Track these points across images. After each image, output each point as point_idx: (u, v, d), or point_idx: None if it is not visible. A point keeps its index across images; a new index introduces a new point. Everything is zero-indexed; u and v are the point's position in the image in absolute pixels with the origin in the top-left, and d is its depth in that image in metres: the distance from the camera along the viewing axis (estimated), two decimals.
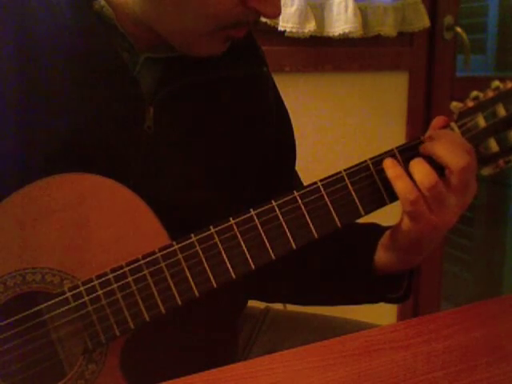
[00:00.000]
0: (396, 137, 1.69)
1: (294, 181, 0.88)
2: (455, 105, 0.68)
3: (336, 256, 0.80)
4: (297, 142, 0.88)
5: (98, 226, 0.63)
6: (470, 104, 0.67)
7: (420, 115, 1.71)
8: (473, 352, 0.58)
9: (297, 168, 0.90)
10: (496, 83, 0.66)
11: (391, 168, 0.65)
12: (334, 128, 1.62)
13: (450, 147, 0.64)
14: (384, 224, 0.77)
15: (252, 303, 0.92)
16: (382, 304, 0.83)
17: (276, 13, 0.65)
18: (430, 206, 0.64)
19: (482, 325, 0.63)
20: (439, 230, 0.66)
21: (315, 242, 0.65)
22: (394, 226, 0.71)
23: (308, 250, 0.68)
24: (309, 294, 0.87)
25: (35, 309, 0.62)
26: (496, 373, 0.55)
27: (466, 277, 2.34)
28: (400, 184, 0.64)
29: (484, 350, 0.59)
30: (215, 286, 0.63)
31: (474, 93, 0.67)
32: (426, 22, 1.60)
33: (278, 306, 0.98)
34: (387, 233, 0.74)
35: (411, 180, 0.64)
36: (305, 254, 0.72)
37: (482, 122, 0.66)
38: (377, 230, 0.77)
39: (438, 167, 0.64)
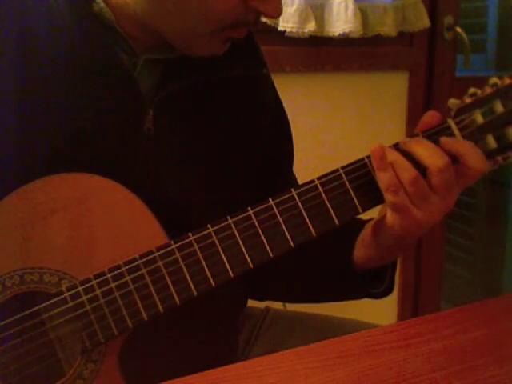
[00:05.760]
0: (396, 137, 1.68)
1: (291, 181, 0.88)
2: (453, 102, 0.67)
3: (315, 253, 0.80)
4: (296, 142, 0.88)
5: (96, 225, 0.63)
6: (468, 101, 0.67)
7: (420, 115, 1.67)
8: (473, 352, 0.58)
9: (296, 168, 0.90)
10: (494, 80, 0.66)
11: (376, 159, 0.64)
12: (333, 128, 1.62)
13: (430, 147, 0.64)
14: None
15: (252, 303, 0.92)
16: (382, 304, 0.83)
17: (277, 12, 0.65)
18: (413, 201, 0.64)
19: (482, 325, 0.63)
20: (422, 227, 0.65)
21: (314, 240, 0.65)
22: (376, 223, 0.71)
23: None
24: (293, 291, 0.87)
25: (34, 309, 0.62)
26: (496, 373, 0.55)
27: (466, 277, 2.34)
28: (382, 175, 0.64)
29: (484, 350, 0.58)
30: (213, 285, 0.63)
31: (472, 89, 0.67)
32: (425, 22, 1.60)
33: (278, 305, 0.98)
34: (368, 230, 0.73)
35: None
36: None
37: (479, 118, 0.66)
38: (356, 225, 0.76)
39: (422, 167, 0.64)
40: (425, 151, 0.63)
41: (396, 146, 0.66)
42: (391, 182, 0.63)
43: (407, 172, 0.63)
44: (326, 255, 0.79)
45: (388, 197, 0.64)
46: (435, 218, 0.65)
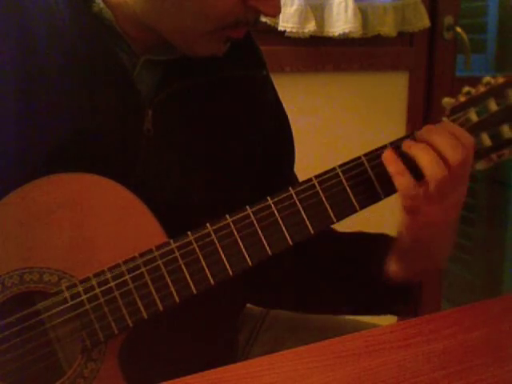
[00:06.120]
0: (396, 137, 1.68)
1: (292, 181, 0.88)
2: (447, 100, 0.68)
3: (344, 266, 0.80)
4: (296, 142, 0.88)
5: (96, 225, 0.63)
6: (462, 99, 0.67)
7: (420, 115, 1.71)
8: (473, 352, 0.58)
9: (296, 168, 0.90)
10: (487, 78, 0.67)
11: (392, 164, 0.64)
12: (334, 128, 1.62)
13: (449, 139, 0.63)
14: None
15: None
16: None
17: (276, 11, 0.65)
18: (429, 198, 0.63)
19: (482, 325, 0.63)
20: (434, 225, 0.65)
21: (312, 237, 0.65)
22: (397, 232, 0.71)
23: (315, 260, 0.68)
24: (313, 303, 0.86)
25: (33, 308, 0.62)
26: (496, 373, 0.54)
27: (466, 277, 2.34)
28: (401, 180, 0.64)
29: (484, 350, 0.58)
30: (213, 283, 0.63)
31: (466, 88, 0.67)
32: (425, 22, 1.60)
33: None
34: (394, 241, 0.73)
35: (411, 174, 0.63)
36: (312, 264, 0.72)
37: (473, 116, 0.66)
38: (386, 240, 0.76)
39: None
40: (445, 143, 0.62)
41: (412, 137, 0.66)
42: (410, 186, 0.63)
43: (440, 170, 0.62)
44: (354, 269, 0.78)
45: (405, 200, 0.64)
46: (449, 215, 0.66)
